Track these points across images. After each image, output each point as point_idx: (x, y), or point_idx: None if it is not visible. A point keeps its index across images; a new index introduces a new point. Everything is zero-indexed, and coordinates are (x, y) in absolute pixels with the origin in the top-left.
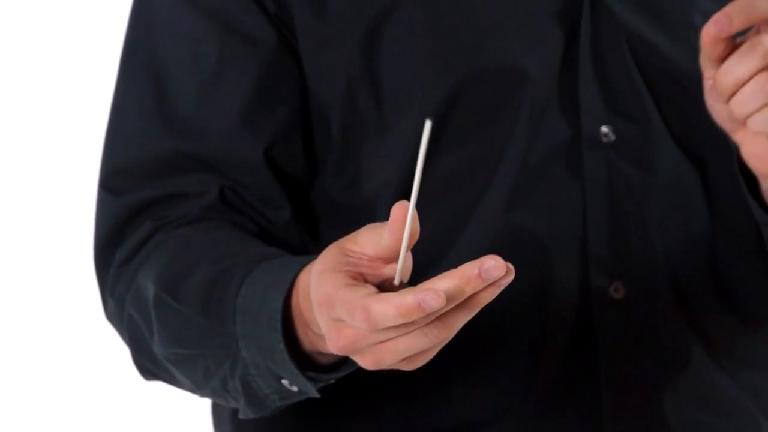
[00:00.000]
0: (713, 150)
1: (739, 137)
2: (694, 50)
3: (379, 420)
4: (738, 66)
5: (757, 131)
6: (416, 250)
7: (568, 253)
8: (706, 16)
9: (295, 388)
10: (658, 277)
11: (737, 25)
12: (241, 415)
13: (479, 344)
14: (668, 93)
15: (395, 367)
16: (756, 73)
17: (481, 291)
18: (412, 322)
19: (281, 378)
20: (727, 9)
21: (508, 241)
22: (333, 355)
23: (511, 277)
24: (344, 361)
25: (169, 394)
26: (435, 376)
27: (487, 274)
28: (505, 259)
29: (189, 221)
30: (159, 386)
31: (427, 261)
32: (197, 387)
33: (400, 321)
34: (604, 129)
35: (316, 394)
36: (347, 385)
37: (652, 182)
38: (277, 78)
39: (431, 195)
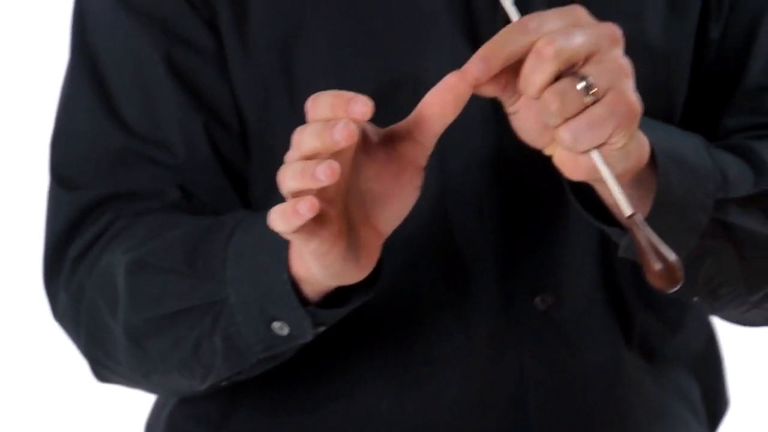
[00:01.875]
0: None
1: (549, 150)
2: None
3: None
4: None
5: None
6: None
7: (490, 264)
8: (627, 19)
9: (285, 331)
10: (584, 289)
11: (495, 67)
12: (210, 381)
13: (404, 356)
14: None
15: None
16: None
17: None
18: None
19: (273, 320)
20: (482, 52)
21: (430, 251)
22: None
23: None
24: (339, 304)
25: None
26: (362, 391)
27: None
28: (426, 269)
29: (153, 212)
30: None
31: None
32: (162, 360)
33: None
34: None
35: (308, 337)
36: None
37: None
38: (216, 81)
39: None
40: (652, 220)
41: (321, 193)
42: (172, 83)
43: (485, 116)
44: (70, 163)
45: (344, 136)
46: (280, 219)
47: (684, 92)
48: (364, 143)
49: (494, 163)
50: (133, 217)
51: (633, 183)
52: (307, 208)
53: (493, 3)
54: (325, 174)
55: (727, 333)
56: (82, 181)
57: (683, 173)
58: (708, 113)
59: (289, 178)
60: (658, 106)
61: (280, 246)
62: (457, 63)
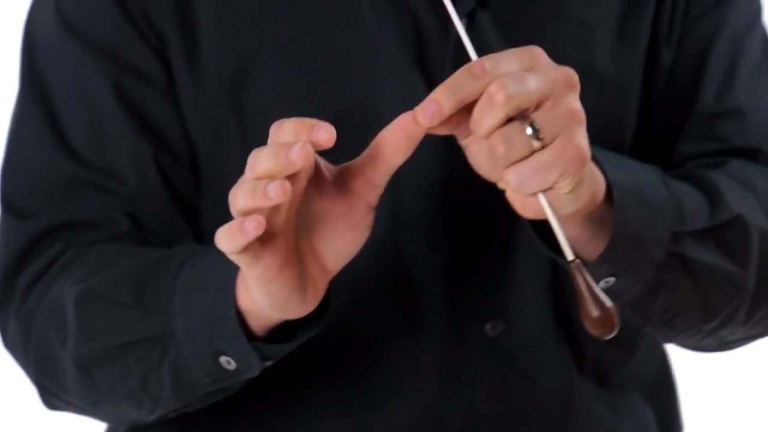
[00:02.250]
0: None
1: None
2: None
3: None
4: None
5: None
6: None
7: (441, 291)
8: (577, 45)
9: (232, 366)
10: (535, 315)
11: (448, 110)
12: (158, 413)
13: (356, 386)
14: None
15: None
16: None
17: None
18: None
19: (220, 354)
20: (435, 95)
21: (381, 277)
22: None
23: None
24: (286, 338)
25: None
26: (314, 423)
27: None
28: (377, 294)
29: (104, 241)
30: None
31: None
32: (111, 390)
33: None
34: None
35: (256, 372)
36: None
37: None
38: (166, 111)
39: None
40: (609, 254)
41: (270, 218)
42: (121, 112)
43: (436, 145)
44: (20, 192)
45: (300, 156)
46: (226, 237)
47: (634, 119)
48: (317, 178)
49: (445, 192)
50: (83, 247)
51: (587, 220)
52: (254, 225)
53: (443, 32)
54: (276, 192)
55: (680, 357)
56: (32, 210)
57: (640, 207)
58: (662, 139)
59: (240, 196)
60: (608, 133)
61: (227, 280)
62: (407, 93)
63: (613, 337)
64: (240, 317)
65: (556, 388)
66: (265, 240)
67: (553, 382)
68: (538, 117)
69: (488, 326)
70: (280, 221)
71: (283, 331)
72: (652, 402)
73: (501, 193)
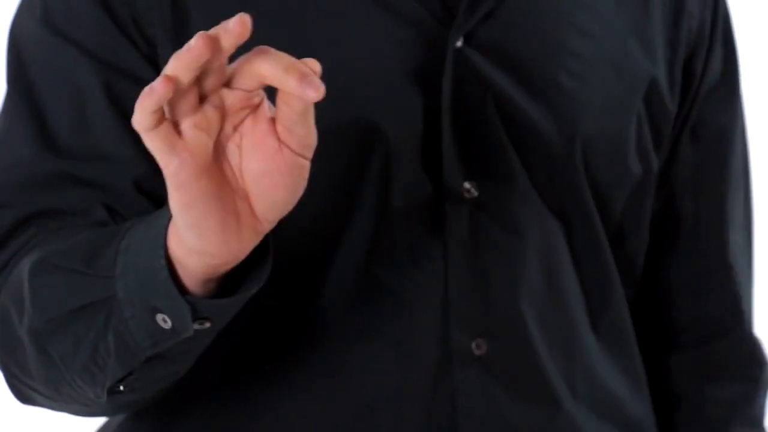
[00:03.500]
0: (573, 207)
1: None
2: (557, 110)
3: None
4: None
5: None
6: (279, 295)
7: (428, 309)
8: (572, 76)
9: (168, 324)
10: (521, 334)
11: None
12: (107, 383)
13: (338, 398)
14: (532, 151)
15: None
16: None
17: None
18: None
19: (157, 312)
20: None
21: (366, 296)
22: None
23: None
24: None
25: None
26: (293, 422)
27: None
28: (364, 311)
29: (75, 227)
30: None
31: (289, 311)
32: (65, 366)
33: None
34: (467, 185)
35: (190, 330)
36: None
37: (517, 238)
38: None
39: (288, 247)
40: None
41: (196, 120)
42: (110, 110)
43: (428, 158)
44: (2, 189)
45: (198, 44)
46: (137, 107)
47: (635, 154)
48: (257, 115)
49: (433, 208)
50: (54, 230)
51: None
52: (162, 84)
53: (441, 46)
54: (198, 43)
55: None
56: (10, 201)
57: None
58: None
59: (167, 65)
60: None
61: (159, 232)
62: (406, 107)
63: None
64: (173, 273)
65: (543, 409)
66: (186, 138)
67: (540, 403)
68: None
69: (474, 344)
70: (208, 123)
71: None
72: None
73: (491, 213)
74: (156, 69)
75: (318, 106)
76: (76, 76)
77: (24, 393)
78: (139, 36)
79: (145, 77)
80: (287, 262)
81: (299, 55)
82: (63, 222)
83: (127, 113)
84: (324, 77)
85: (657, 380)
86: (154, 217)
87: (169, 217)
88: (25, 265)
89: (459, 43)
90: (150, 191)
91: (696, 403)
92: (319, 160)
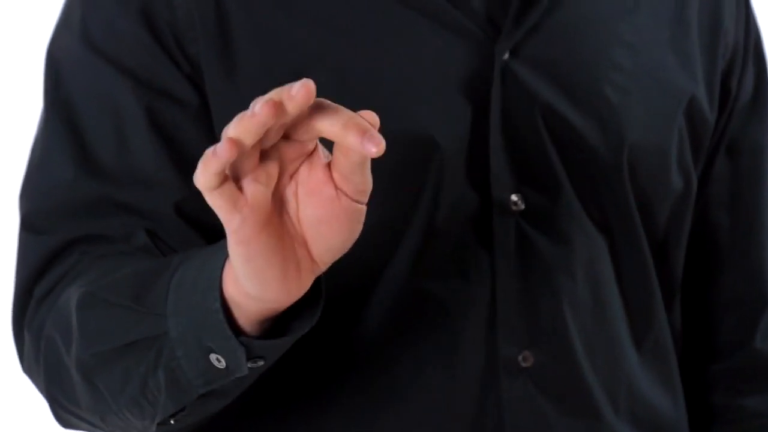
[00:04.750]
0: (618, 220)
1: None
2: (604, 122)
3: None
4: None
5: None
6: (325, 314)
7: (475, 321)
8: (617, 89)
9: (222, 364)
10: (567, 346)
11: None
12: (158, 419)
13: (387, 414)
14: (578, 163)
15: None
16: None
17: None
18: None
19: (210, 352)
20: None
21: (414, 308)
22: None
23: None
24: (278, 335)
25: None
26: None
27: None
28: (412, 323)
29: (118, 254)
30: None
31: (336, 325)
32: (113, 398)
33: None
34: (514, 197)
35: (245, 370)
36: None
37: (563, 251)
38: (197, 135)
39: (337, 264)
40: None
41: (256, 175)
42: (152, 134)
43: (475, 170)
44: (42, 212)
45: (265, 108)
46: (200, 167)
47: (677, 163)
48: (313, 162)
49: (480, 220)
50: (97, 258)
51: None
52: (227, 147)
53: (489, 56)
54: (263, 110)
55: None
56: (51, 227)
57: None
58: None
59: (230, 127)
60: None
61: (214, 274)
62: (456, 117)
63: (652, 382)
64: (227, 313)
65: (589, 425)
66: (247, 194)
67: (586, 419)
68: None
69: (521, 357)
70: (266, 176)
71: (274, 334)
72: None
73: (538, 226)
74: (197, 88)
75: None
76: (115, 97)
77: (66, 419)
78: (181, 55)
79: (185, 99)
80: (336, 278)
81: (353, 63)
82: (105, 248)
83: (167, 135)
84: (374, 89)
85: (693, 392)
86: (206, 256)
87: (224, 258)
88: (72, 296)
89: (506, 56)
90: (190, 213)
91: (734, 415)
92: (374, 175)
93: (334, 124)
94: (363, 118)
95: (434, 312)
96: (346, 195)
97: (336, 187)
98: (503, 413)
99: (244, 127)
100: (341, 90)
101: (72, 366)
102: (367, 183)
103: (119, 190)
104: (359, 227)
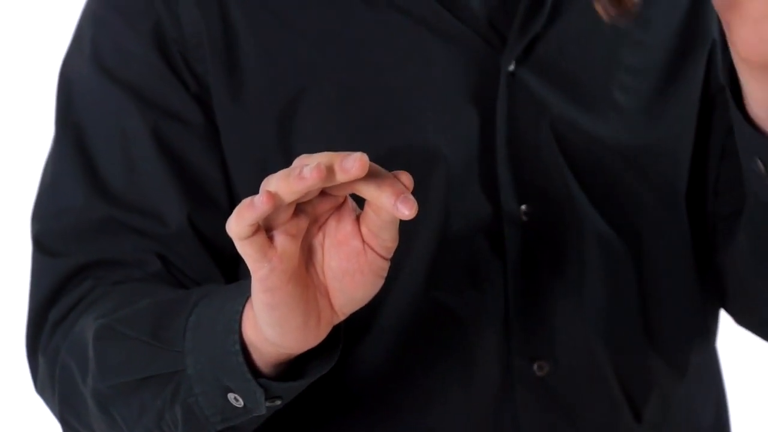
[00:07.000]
0: (645, 218)
1: (728, 17)
2: (614, 125)
3: None
4: None
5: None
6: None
7: (489, 331)
8: (626, 91)
9: (240, 403)
10: (583, 355)
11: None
12: None
13: (402, 422)
14: (590, 169)
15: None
16: None
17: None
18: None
19: (228, 391)
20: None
21: (428, 318)
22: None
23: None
24: (295, 377)
25: None
26: None
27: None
28: (425, 335)
29: (133, 281)
30: None
31: (350, 337)
32: (128, 428)
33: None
34: (524, 207)
35: (263, 410)
36: None
37: (576, 259)
38: (204, 155)
39: None
40: None
41: (287, 227)
42: (159, 156)
43: (485, 181)
44: (54, 234)
45: (312, 174)
46: (234, 216)
47: (688, 162)
48: (341, 214)
49: (492, 231)
50: (111, 285)
51: None
52: (264, 199)
53: (495, 65)
54: (312, 174)
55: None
56: (64, 249)
57: None
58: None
59: (272, 180)
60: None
61: (234, 316)
62: (463, 127)
63: (668, 391)
64: (246, 354)
65: (604, 428)
66: (276, 245)
67: (602, 425)
68: None
69: (536, 366)
70: (295, 231)
71: (292, 374)
72: None
73: (551, 237)
74: (203, 107)
75: (379, 130)
76: (122, 118)
77: None
78: (189, 74)
79: (191, 119)
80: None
81: (357, 76)
82: (119, 274)
83: (173, 155)
84: (380, 103)
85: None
86: (226, 296)
87: (244, 301)
88: (88, 326)
89: (511, 67)
90: (198, 232)
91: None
92: None
93: (370, 184)
94: (399, 179)
95: (448, 323)
96: (373, 250)
97: (363, 241)
98: (519, 422)
99: (288, 185)
100: (348, 106)
101: (88, 395)
102: (395, 241)
103: (129, 213)
104: (381, 282)
